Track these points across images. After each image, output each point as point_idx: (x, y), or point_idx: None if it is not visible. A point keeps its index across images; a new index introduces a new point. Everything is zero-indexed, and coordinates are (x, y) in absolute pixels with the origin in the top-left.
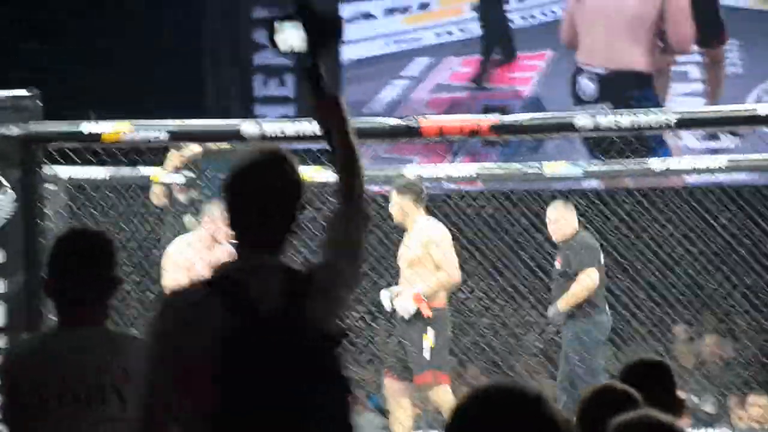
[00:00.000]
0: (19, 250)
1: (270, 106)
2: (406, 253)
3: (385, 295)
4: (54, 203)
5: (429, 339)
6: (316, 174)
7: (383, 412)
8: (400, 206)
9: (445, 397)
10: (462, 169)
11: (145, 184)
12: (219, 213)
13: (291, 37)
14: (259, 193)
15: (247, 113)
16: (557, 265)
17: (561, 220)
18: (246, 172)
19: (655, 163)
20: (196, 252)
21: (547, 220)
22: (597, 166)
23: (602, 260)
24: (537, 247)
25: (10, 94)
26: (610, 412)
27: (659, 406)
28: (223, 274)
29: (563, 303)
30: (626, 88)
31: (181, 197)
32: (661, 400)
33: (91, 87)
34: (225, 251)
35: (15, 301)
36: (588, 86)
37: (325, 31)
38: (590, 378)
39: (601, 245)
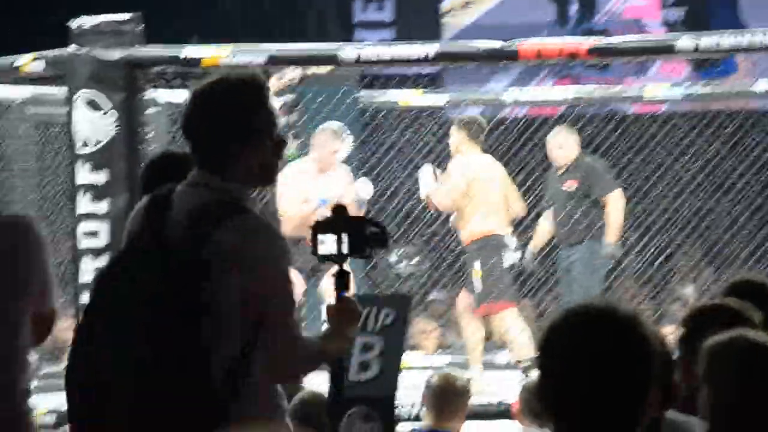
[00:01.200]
0: (122, 172)
1: (369, 31)
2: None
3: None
4: (156, 126)
5: (477, 271)
6: (413, 98)
7: None
8: (456, 140)
9: (504, 324)
10: (560, 92)
11: None
12: (325, 140)
13: (329, 244)
14: (202, 113)
15: (347, 38)
16: (567, 186)
17: (567, 144)
18: (201, 92)
19: (760, 85)
20: (308, 179)
21: (549, 144)
22: (698, 88)
23: None
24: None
25: (112, 18)
26: (714, 331)
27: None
28: (163, 191)
29: (613, 236)
30: None
31: (281, 121)
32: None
33: (194, 13)
34: (333, 178)
35: (118, 221)
36: None
37: (365, 242)
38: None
39: (702, 167)
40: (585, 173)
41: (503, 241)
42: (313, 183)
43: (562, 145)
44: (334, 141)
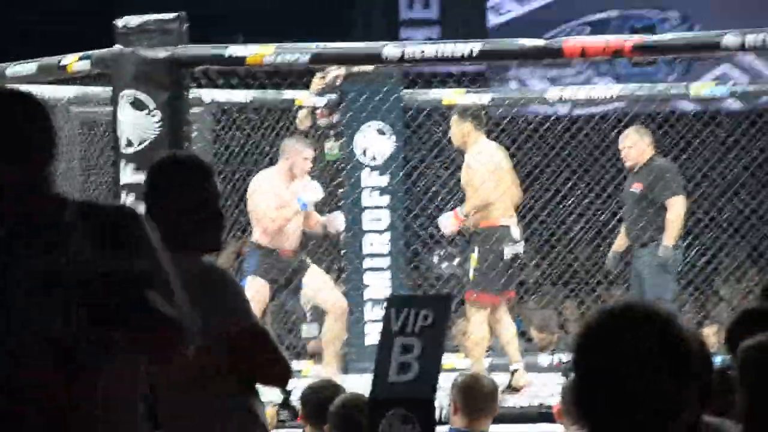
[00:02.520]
0: None
1: (415, 29)
2: (462, 174)
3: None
4: (200, 126)
5: (474, 258)
6: (458, 96)
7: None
8: (460, 130)
9: (474, 318)
10: (603, 90)
11: (289, 108)
12: (300, 146)
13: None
14: None
15: (392, 35)
16: (635, 189)
17: (637, 145)
18: None
19: None
20: (275, 186)
21: (620, 144)
22: (744, 86)
23: None
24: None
25: (157, 18)
26: (758, 333)
27: None
28: None
29: (669, 237)
30: None
31: (324, 121)
32: None
33: (236, 11)
34: (301, 186)
35: None
36: None
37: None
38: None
39: (746, 166)
40: (653, 176)
41: (501, 234)
42: (286, 190)
43: (633, 145)
44: (306, 148)
